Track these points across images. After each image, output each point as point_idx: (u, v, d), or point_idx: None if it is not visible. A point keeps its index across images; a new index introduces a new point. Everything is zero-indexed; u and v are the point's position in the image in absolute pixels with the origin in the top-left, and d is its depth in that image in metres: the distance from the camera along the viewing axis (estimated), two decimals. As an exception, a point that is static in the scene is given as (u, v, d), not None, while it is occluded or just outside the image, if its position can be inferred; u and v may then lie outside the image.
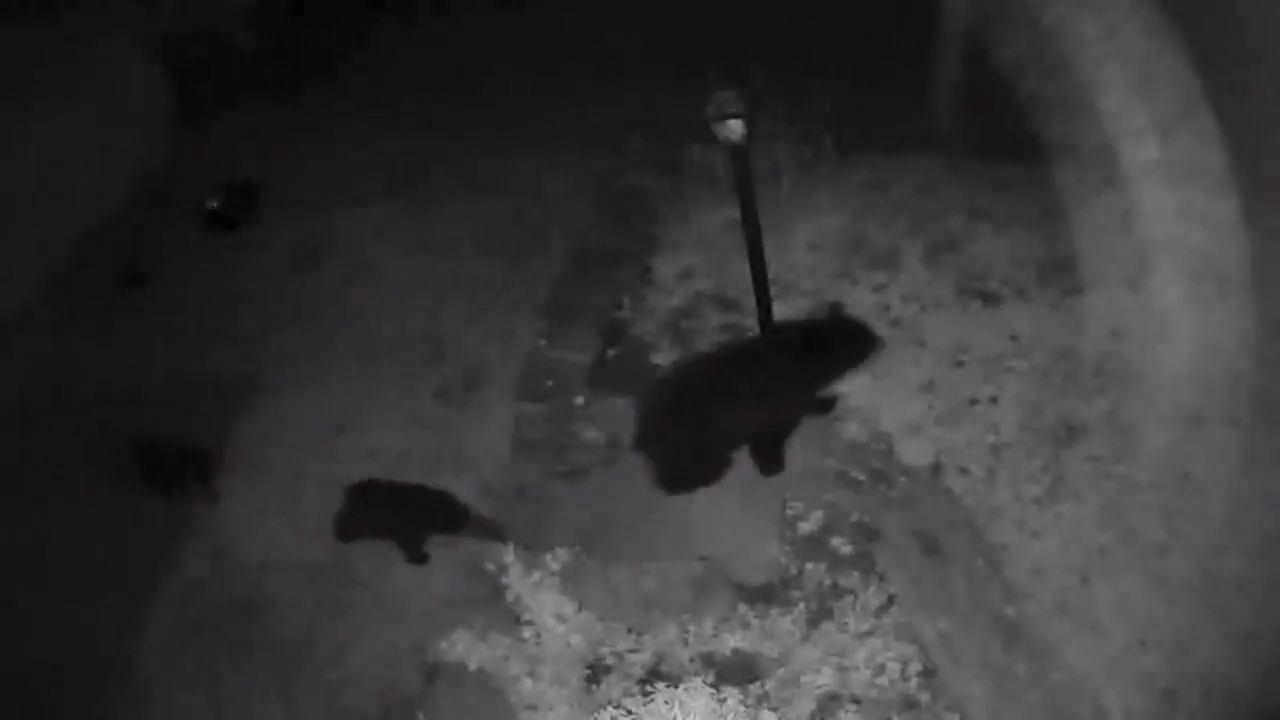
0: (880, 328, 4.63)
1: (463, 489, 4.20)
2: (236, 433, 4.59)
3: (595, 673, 3.67)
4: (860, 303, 4.75)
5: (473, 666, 3.71)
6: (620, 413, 4.43)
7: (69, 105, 5.67)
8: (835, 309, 4.30)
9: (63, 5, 6.00)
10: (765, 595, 3.81)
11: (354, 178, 5.83)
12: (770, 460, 4.09)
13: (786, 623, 3.71)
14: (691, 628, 3.73)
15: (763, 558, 3.89)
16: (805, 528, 3.98)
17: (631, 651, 3.70)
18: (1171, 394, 4.15)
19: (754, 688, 3.55)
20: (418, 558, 4.01)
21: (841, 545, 3.91)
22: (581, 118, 5.97)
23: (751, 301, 4.35)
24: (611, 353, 4.78)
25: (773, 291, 4.33)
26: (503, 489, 4.25)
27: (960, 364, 4.46)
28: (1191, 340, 4.30)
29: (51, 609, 4.03)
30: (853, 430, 4.27)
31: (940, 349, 4.52)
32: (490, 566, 3.98)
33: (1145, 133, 4.67)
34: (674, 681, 3.56)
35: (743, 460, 4.16)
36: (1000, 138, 5.07)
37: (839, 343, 4.15)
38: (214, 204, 5.65)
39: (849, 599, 3.75)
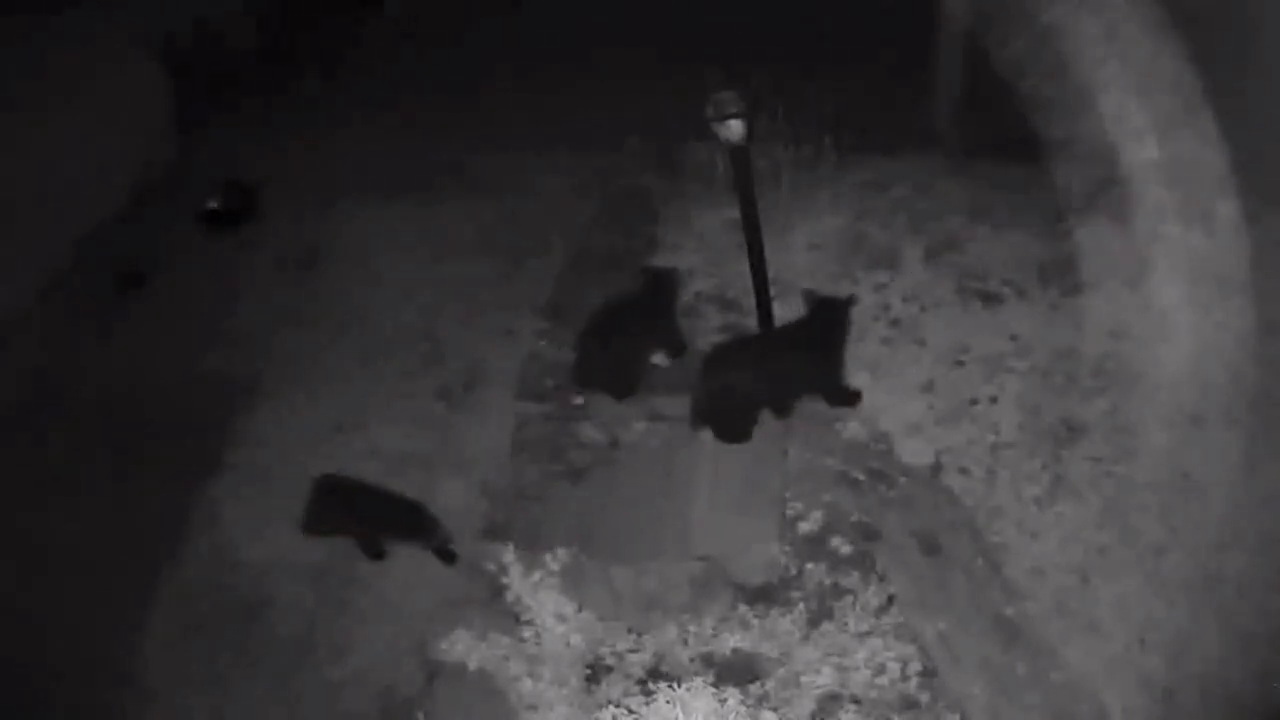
0: (880, 328, 4.65)
1: (463, 489, 4.20)
2: (236, 433, 4.59)
3: (595, 673, 3.66)
4: (860, 303, 4.75)
5: (473, 666, 3.71)
6: (620, 413, 4.43)
7: (69, 105, 5.67)
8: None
9: (63, 5, 6.00)
10: (765, 595, 3.81)
11: (354, 178, 5.83)
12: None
13: (786, 623, 3.71)
14: (691, 628, 3.73)
15: (763, 558, 3.89)
16: (805, 528, 3.98)
17: (631, 651, 3.70)
18: (1171, 394, 4.15)
19: (754, 688, 3.55)
20: (377, 554, 4.04)
21: (841, 545, 3.91)
22: (581, 118, 5.97)
23: (751, 301, 4.36)
24: (612, 353, 4.78)
25: (773, 291, 4.34)
26: (503, 489, 4.25)
27: (960, 364, 4.46)
28: (1191, 340, 4.30)
29: (51, 609, 4.03)
30: (853, 430, 4.27)
31: (940, 349, 4.52)
32: (490, 566, 3.98)
33: (1145, 133, 4.68)
34: (674, 681, 3.56)
35: (743, 460, 4.17)
36: (1000, 138, 5.08)
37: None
38: (214, 204, 5.65)
39: (849, 599, 3.75)
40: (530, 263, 5.23)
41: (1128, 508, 3.86)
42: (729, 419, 4.20)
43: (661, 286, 4.59)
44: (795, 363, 4.20)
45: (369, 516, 4.11)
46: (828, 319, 4.23)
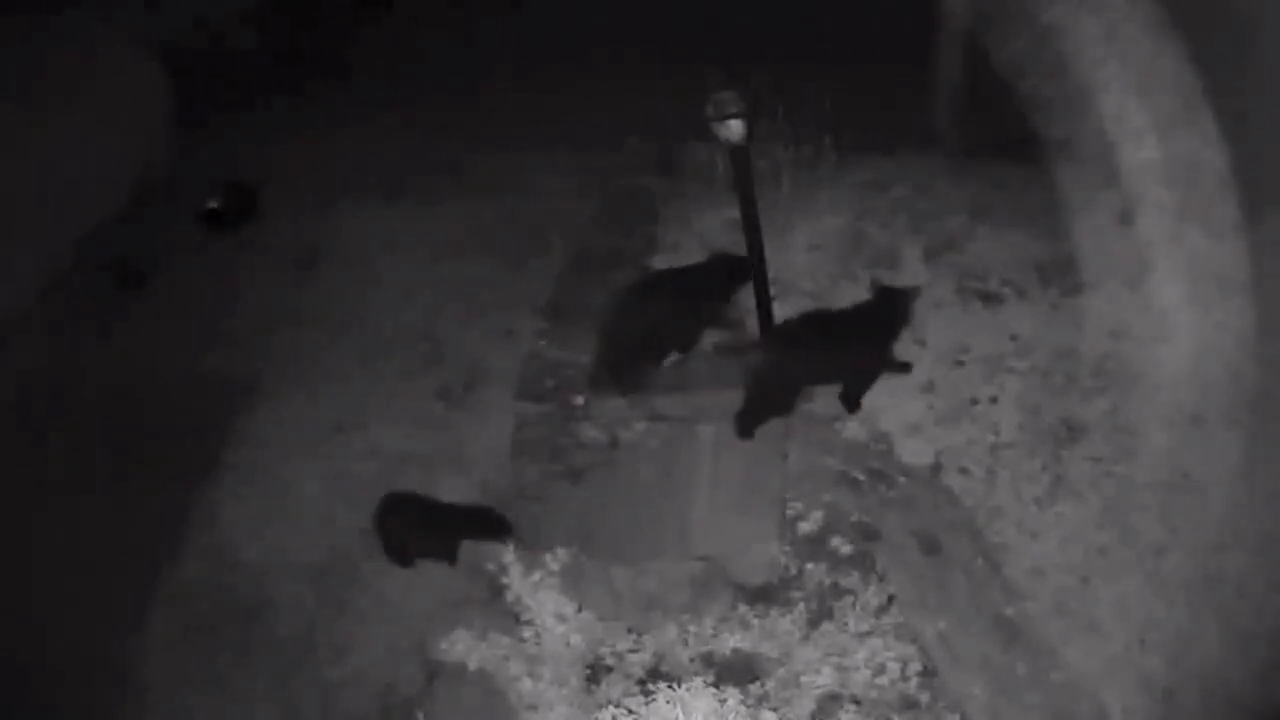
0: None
1: (463, 489, 4.20)
2: (236, 433, 4.59)
3: (595, 673, 3.67)
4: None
5: (473, 666, 3.72)
6: (620, 413, 4.43)
7: (69, 105, 5.68)
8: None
9: (63, 5, 6.00)
10: (765, 595, 3.81)
11: (354, 178, 5.83)
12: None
13: (786, 623, 3.71)
14: (691, 628, 3.73)
15: (763, 558, 3.89)
16: (805, 528, 3.98)
17: (631, 651, 3.71)
18: (1171, 394, 4.15)
19: (754, 687, 3.55)
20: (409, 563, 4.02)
21: (841, 545, 3.91)
22: (581, 118, 5.97)
23: (752, 302, 4.36)
24: (612, 353, 4.78)
25: (773, 291, 4.34)
26: (503, 489, 4.25)
27: (960, 364, 4.45)
28: (1191, 340, 4.30)
29: (51, 609, 4.04)
30: (853, 430, 4.27)
31: (940, 349, 4.52)
32: (490, 566, 3.98)
33: (1145, 133, 4.67)
34: (674, 681, 3.56)
35: (743, 460, 4.17)
36: (1000, 138, 5.08)
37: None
38: (214, 204, 5.66)
39: (849, 599, 3.75)
40: (530, 263, 5.23)
41: (1128, 508, 3.86)
42: (746, 412, 4.21)
43: (737, 272, 4.49)
44: (796, 360, 4.20)
45: (443, 525, 4.05)
46: (888, 308, 4.27)
